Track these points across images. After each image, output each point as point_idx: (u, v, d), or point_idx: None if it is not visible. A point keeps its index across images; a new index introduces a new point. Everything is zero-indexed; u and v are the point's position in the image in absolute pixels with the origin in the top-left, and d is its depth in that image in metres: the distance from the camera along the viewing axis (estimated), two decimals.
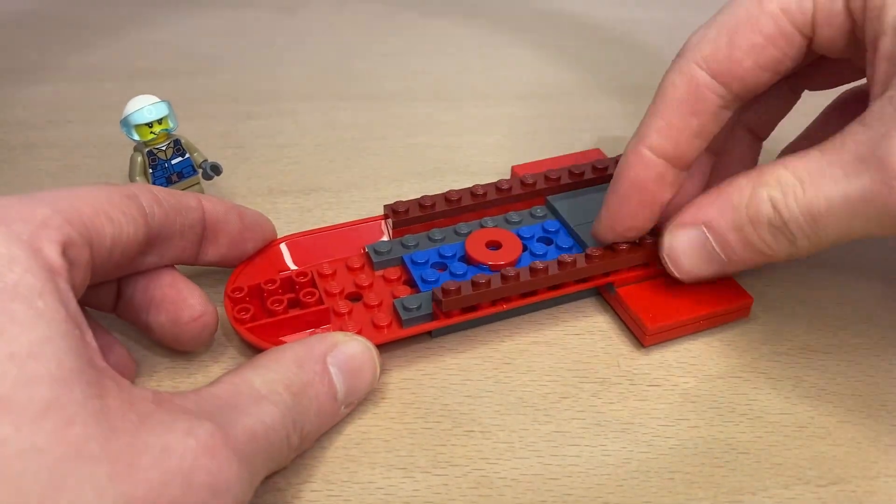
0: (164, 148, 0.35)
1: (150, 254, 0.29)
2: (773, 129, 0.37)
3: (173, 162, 0.36)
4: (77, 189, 0.25)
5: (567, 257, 0.33)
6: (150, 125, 0.34)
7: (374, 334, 0.31)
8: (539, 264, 0.32)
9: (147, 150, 0.35)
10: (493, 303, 0.32)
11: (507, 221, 0.37)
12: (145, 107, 0.34)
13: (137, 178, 0.35)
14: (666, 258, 0.32)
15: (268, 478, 0.27)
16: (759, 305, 0.35)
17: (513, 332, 0.33)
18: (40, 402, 0.19)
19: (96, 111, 0.48)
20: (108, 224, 0.25)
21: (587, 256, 0.33)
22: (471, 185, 0.37)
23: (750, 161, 0.37)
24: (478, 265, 0.34)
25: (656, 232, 0.34)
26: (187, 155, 0.36)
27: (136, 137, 0.35)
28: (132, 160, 0.35)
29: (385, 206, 0.36)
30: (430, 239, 0.35)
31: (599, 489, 0.27)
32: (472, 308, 0.32)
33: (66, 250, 0.23)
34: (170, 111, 0.35)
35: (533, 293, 0.33)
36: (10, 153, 0.44)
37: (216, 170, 0.37)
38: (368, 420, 0.29)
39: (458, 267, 0.33)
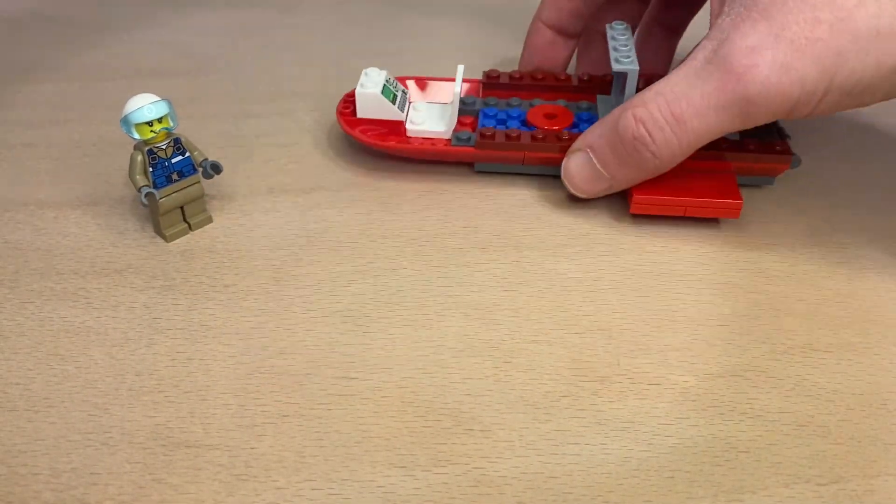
0: (164, 146, 0.35)
1: None
2: (685, 25, 0.46)
3: (173, 160, 0.36)
4: None
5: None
6: (150, 124, 0.34)
7: (430, 147, 0.41)
8: (565, 134, 0.40)
9: (147, 148, 0.35)
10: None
11: (576, 106, 0.43)
12: (145, 105, 0.34)
13: (137, 177, 0.35)
14: (564, 179, 0.39)
15: (267, 477, 0.27)
16: (760, 304, 0.35)
17: (513, 331, 0.33)
18: None
19: (96, 111, 0.48)
20: None
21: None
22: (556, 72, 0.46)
23: (666, 53, 0.47)
24: (530, 128, 0.41)
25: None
26: (187, 153, 0.36)
27: (137, 136, 0.35)
28: (132, 159, 0.35)
29: (483, 73, 0.46)
30: (507, 104, 0.44)
31: (599, 488, 0.27)
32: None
33: None
34: (170, 110, 0.35)
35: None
36: (10, 152, 0.44)
37: (216, 168, 0.37)
38: (368, 418, 0.29)
39: (515, 126, 0.41)
